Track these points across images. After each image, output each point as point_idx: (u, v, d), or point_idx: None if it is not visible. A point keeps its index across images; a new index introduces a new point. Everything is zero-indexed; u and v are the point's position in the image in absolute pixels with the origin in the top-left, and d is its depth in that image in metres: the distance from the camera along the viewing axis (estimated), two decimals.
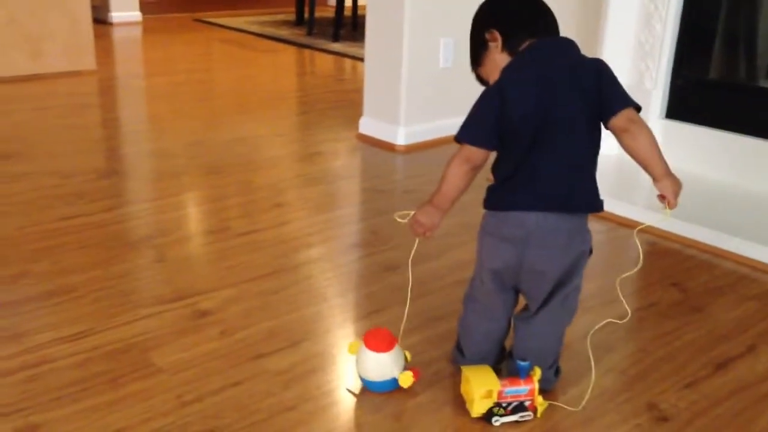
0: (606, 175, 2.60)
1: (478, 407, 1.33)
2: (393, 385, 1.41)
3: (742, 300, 1.81)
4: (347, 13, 5.46)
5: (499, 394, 1.32)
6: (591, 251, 1.41)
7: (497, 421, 1.33)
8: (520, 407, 1.33)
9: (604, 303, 1.81)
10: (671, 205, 1.30)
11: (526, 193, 1.32)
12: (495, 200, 1.38)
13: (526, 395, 1.33)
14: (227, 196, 2.43)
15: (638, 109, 1.29)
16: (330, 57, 4.79)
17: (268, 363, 1.49)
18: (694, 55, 2.58)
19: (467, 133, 1.36)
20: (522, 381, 1.33)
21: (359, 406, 1.39)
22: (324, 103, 3.71)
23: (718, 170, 2.50)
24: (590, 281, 1.95)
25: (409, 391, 1.41)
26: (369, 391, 1.42)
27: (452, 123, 3.13)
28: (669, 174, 1.28)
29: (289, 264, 1.94)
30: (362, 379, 1.43)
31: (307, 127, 3.34)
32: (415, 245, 1.46)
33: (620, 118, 1.27)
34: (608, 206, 2.30)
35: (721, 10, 2.56)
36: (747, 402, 1.42)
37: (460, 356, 1.48)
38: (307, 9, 5.50)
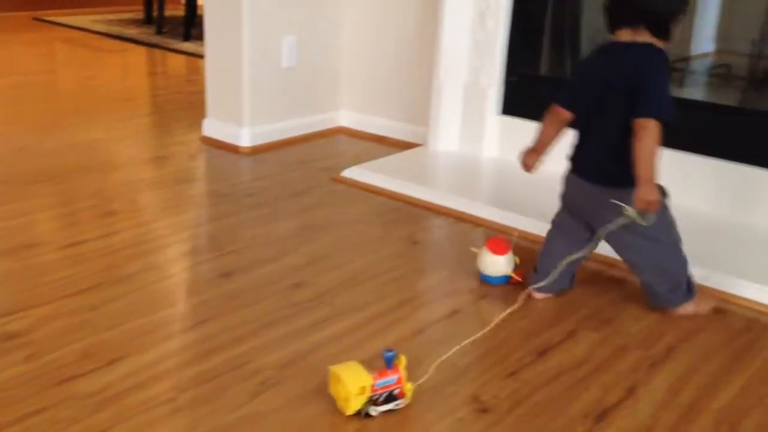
0: (447, 173, 2.67)
1: (354, 404, 1.32)
2: (505, 280, 1.84)
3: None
4: (200, 11, 5.29)
5: (372, 387, 1.33)
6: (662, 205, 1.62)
7: (374, 411, 1.33)
8: (390, 397, 1.36)
9: (443, 295, 1.84)
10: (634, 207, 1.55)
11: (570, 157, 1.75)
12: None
13: (394, 384, 1.35)
14: (52, 206, 2.27)
15: (662, 120, 1.52)
16: (181, 57, 4.62)
17: (78, 386, 1.39)
18: (526, 52, 2.68)
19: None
20: (389, 371, 1.35)
21: (175, 425, 1.33)
22: (171, 104, 3.57)
23: (552, 164, 2.60)
24: (428, 275, 1.99)
25: (236, 401, 1.37)
26: (488, 284, 1.85)
27: (299, 123, 3.14)
28: (642, 183, 1.52)
29: (116, 276, 1.83)
30: (482, 275, 1.85)
31: (151, 130, 3.20)
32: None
33: (635, 123, 1.53)
34: (448, 202, 2.37)
35: (547, 9, 2.67)
36: (564, 387, 1.47)
37: (534, 273, 1.80)
38: (156, 7, 5.29)
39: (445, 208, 2.34)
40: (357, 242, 2.11)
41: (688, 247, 1.73)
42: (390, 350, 1.37)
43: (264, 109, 2.87)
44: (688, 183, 2.22)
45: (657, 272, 1.71)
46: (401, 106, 3.03)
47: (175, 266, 1.94)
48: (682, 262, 1.72)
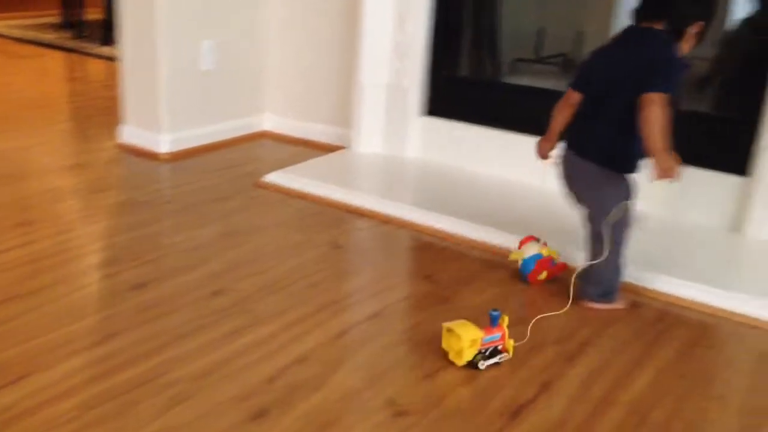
0: (370, 175, 2.67)
1: (467, 355, 1.50)
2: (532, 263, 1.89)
3: (486, 286, 1.90)
4: None
5: (481, 341, 1.51)
6: (625, 202, 1.72)
7: (483, 365, 1.51)
8: (495, 351, 1.53)
9: (365, 298, 1.83)
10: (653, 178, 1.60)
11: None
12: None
13: (499, 340, 1.53)
14: None
15: (667, 92, 1.57)
16: (100, 62, 4.49)
17: None
18: (446, 54, 2.70)
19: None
20: (494, 328, 1.53)
21: None
22: (89, 110, 3.46)
23: (474, 163, 2.63)
24: (350, 278, 1.97)
25: (146, 417, 1.32)
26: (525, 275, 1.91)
27: (220, 128, 3.08)
28: (656, 153, 1.57)
29: (28, 289, 1.76)
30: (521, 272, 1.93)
31: (68, 137, 3.09)
32: None
33: (642, 99, 1.58)
34: (372, 204, 2.37)
35: (465, 12, 2.69)
36: (481, 386, 1.47)
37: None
38: (74, 11, 5.12)
39: (369, 210, 2.34)
40: (279, 248, 2.09)
41: None
42: (495, 310, 1.55)
43: (183, 114, 2.80)
44: None
45: (597, 271, 1.77)
46: (325, 109, 3.01)
47: (89, 277, 1.87)
48: (619, 267, 1.78)
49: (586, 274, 1.80)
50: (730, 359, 1.67)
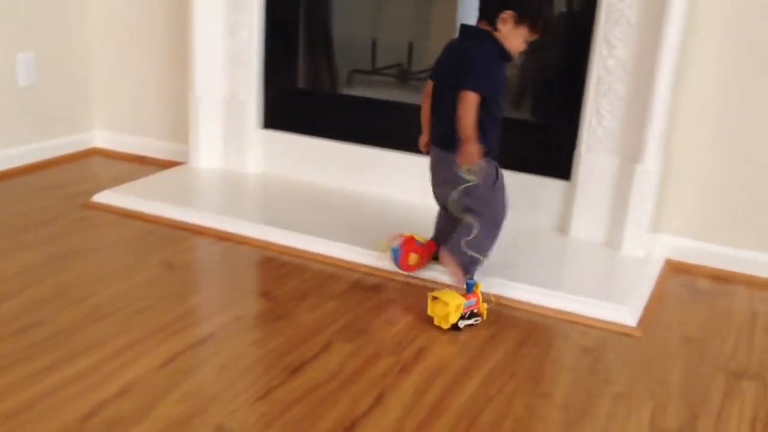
0: (208, 191, 2.58)
1: (452, 319, 1.70)
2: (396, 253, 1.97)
3: (325, 299, 1.87)
4: None
5: (463, 306, 1.72)
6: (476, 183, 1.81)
7: (462, 325, 1.73)
8: (472, 314, 1.75)
9: (196, 320, 1.74)
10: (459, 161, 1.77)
11: None
12: None
13: (475, 305, 1.76)
14: None
15: (478, 92, 1.73)
16: None
17: None
18: (283, 66, 2.66)
19: None
20: (470, 295, 1.75)
21: None
22: None
23: (315, 176, 2.61)
24: (181, 301, 1.85)
25: None
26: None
27: (44, 146, 2.87)
28: (465, 141, 1.74)
29: None
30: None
31: None
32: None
33: (460, 95, 1.74)
34: (209, 221, 2.28)
35: (299, 23, 2.67)
36: (315, 402, 1.44)
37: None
38: None
39: (206, 228, 2.25)
40: (104, 272, 1.96)
41: None
42: (471, 279, 1.78)
43: (0, 132, 2.58)
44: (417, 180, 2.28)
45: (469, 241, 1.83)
46: (162, 124, 2.88)
47: None
48: (488, 246, 1.86)
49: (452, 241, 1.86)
50: (555, 356, 1.74)
